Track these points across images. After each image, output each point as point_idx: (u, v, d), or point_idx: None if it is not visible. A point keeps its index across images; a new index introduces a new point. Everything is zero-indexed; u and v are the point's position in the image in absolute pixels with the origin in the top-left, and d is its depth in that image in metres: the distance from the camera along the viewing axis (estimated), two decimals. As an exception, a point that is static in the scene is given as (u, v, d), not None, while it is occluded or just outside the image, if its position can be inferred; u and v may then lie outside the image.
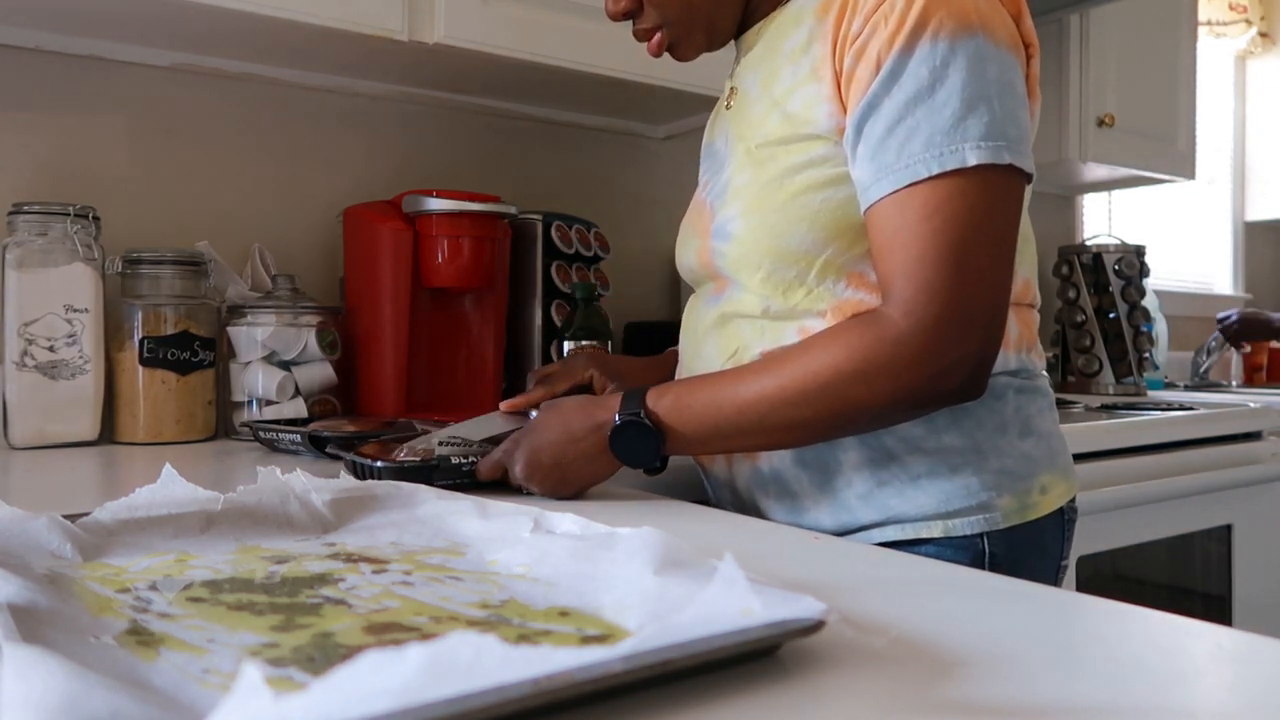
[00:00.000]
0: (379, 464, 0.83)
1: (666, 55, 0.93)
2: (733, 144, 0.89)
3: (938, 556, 0.77)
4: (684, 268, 0.96)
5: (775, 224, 0.81)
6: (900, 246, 0.73)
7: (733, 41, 0.94)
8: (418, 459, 0.84)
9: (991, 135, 0.73)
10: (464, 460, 0.85)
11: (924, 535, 0.81)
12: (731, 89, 0.93)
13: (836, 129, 0.79)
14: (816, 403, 0.74)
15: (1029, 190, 0.86)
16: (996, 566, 0.80)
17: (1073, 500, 0.88)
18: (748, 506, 0.90)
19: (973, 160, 0.72)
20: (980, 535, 0.81)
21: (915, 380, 0.73)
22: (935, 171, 0.72)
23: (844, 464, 0.83)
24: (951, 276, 0.72)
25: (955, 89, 0.73)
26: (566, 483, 0.83)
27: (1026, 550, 0.83)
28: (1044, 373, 0.89)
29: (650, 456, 0.81)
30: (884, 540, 0.81)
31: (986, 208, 0.73)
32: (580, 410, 0.84)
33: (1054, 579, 0.87)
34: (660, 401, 0.80)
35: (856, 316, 0.77)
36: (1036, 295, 0.90)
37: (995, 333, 0.75)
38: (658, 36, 0.90)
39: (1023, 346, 0.86)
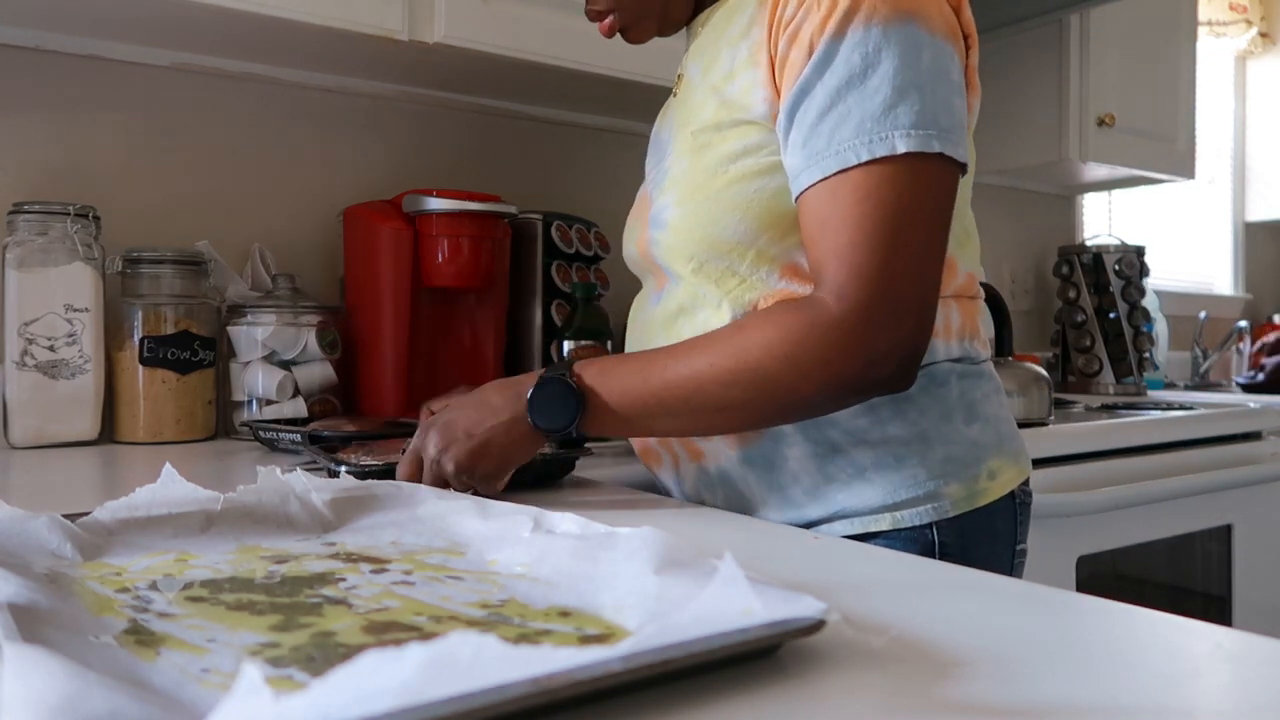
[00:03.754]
0: (344, 467, 0.81)
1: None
2: (675, 132, 0.88)
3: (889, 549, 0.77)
4: (628, 259, 0.95)
5: (709, 213, 0.81)
6: (832, 232, 0.73)
7: (685, 29, 0.94)
8: (380, 463, 0.83)
9: (922, 123, 0.72)
10: None
11: (872, 529, 0.80)
12: (679, 76, 0.93)
13: (772, 115, 0.79)
14: (745, 384, 0.74)
15: (970, 181, 0.85)
16: (947, 556, 0.80)
17: (1025, 483, 0.88)
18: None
19: (902, 148, 0.72)
20: (929, 525, 0.80)
21: (846, 367, 0.72)
22: (865, 158, 0.72)
23: (789, 460, 0.82)
24: (883, 262, 0.72)
25: (887, 75, 0.73)
26: (484, 453, 0.77)
27: (977, 537, 0.82)
28: (988, 359, 0.89)
29: (568, 417, 0.76)
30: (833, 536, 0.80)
31: (915, 195, 0.73)
32: (498, 386, 0.81)
33: (1008, 565, 0.86)
34: (587, 368, 0.78)
35: (790, 300, 0.77)
36: (980, 289, 0.89)
37: (926, 321, 0.75)
38: (610, 19, 0.90)
39: (965, 334, 0.85)
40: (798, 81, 0.75)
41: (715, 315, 0.82)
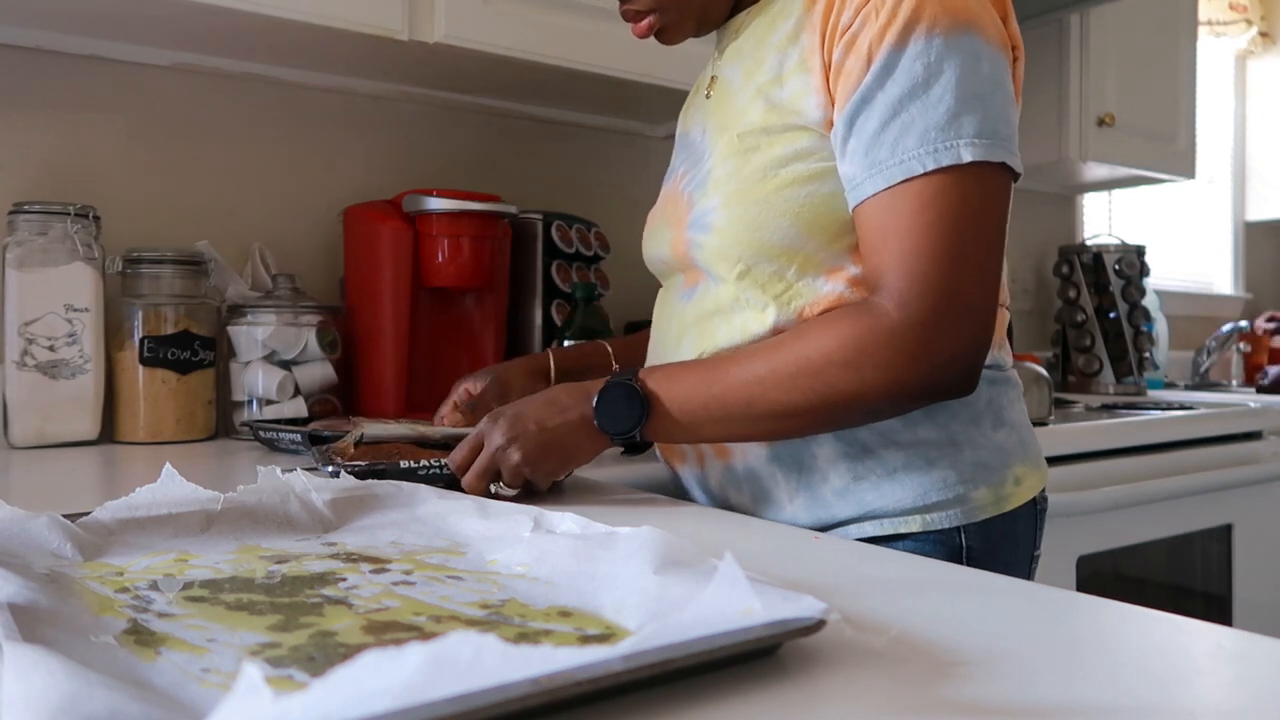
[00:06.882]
0: (330, 467, 0.81)
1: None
2: (713, 134, 0.88)
3: (916, 552, 0.77)
4: (653, 259, 0.95)
5: (757, 217, 0.81)
6: (895, 240, 0.73)
7: (715, 31, 0.93)
8: (364, 463, 0.83)
9: (985, 133, 0.73)
10: (414, 464, 0.82)
11: (902, 530, 0.80)
12: (712, 78, 0.92)
13: (825, 121, 0.79)
14: (806, 390, 0.74)
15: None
16: (973, 560, 0.80)
17: (1043, 490, 0.88)
18: (720, 506, 0.89)
19: (968, 157, 0.72)
20: (958, 529, 0.80)
21: (909, 374, 0.73)
22: (930, 168, 0.72)
23: (819, 459, 0.82)
24: (946, 270, 0.72)
25: (950, 85, 0.73)
26: (551, 449, 0.79)
27: (1001, 542, 0.83)
28: (1012, 366, 0.89)
29: (633, 421, 0.78)
30: (861, 536, 0.80)
31: (980, 204, 0.73)
32: (567, 387, 0.83)
33: (1027, 570, 0.86)
34: (652, 374, 0.80)
35: (849, 305, 0.77)
36: (1007, 295, 0.90)
37: (988, 329, 0.75)
38: (649, 19, 0.89)
39: (994, 343, 0.86)
40: (857, 90, 0.75)
41: (757, 319, 0.82)
